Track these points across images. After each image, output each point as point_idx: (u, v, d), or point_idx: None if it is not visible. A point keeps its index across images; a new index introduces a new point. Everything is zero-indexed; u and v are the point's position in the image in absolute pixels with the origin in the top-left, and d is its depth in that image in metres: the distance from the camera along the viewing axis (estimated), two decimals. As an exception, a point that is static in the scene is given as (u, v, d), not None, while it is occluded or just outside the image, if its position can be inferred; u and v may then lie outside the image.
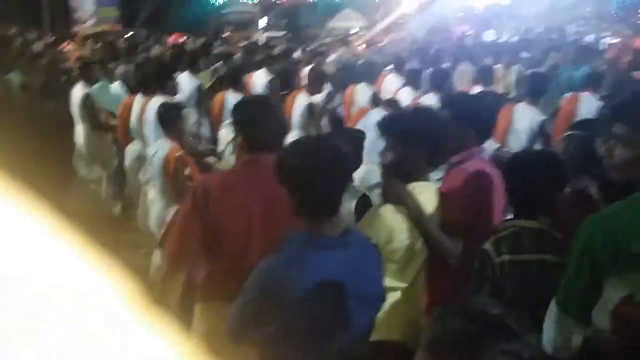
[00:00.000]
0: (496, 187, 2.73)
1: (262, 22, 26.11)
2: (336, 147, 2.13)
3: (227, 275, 2.40)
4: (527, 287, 2.51)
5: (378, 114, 4.68)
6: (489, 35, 18.28)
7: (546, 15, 23.41)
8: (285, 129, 2.92)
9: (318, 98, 6.79)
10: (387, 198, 2.48)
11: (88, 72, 7.01)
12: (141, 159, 5.73)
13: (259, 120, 2.55)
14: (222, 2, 28.67)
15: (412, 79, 7.31)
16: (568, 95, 5.98)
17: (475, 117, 2.82)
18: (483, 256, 2.48)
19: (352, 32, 23.17)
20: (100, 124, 6.71)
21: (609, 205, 1.97)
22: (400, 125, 2.60)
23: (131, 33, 20.28)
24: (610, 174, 1.99)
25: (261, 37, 21.11)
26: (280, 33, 22.84)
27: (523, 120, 5.14)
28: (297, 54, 12.09)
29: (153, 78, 5.90)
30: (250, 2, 28.38)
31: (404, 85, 7.48)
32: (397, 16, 24.48)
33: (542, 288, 2.47)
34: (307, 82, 7.20)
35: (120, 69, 7.46)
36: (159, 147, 4.84)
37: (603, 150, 1.97)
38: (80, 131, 6.77)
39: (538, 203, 2.61)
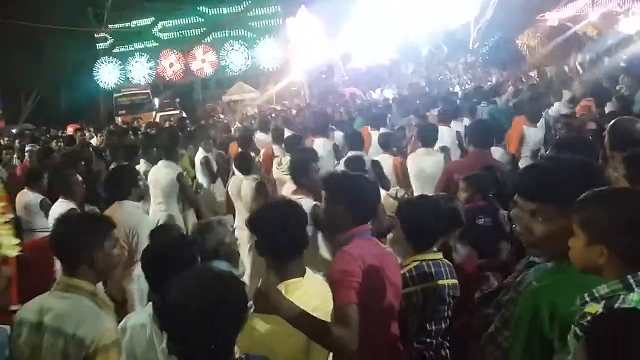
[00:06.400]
0: (385, 264, 2.64)
1: (155, 102, 26.14)
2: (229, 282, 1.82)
3: None
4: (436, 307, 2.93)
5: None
6: (376, 94, 19.59)
7: (424, 70, 25.44)
8: None
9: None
10: (256, 308, 2.23)
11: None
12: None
13: None
14: (112, 87, 28.54)
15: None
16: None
17: (352, 197, 2.66)
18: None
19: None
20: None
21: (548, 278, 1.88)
22: (255, 225, 2.47)
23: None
24: (529, 250, 2.01)
25: (157, 117, 21.19)
26: (175, 111, 23.00)
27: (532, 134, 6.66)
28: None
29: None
30: (141, 83, 28.42)
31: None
32: (287, 84, 25.62)
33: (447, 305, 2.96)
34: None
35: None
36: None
37: (520, 227, 1.91)
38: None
39: (433, 239, 3.04)
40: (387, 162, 6.06)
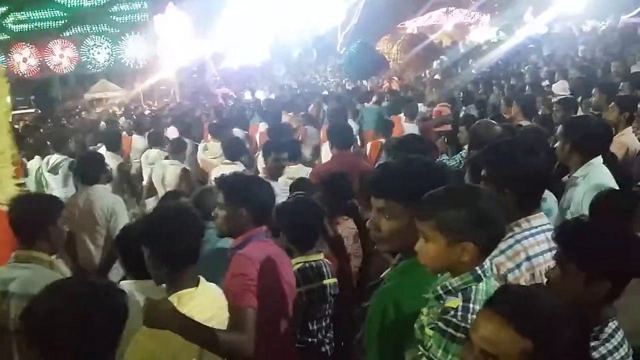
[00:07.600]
0: (281, 264, 2.67)
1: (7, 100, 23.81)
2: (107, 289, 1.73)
3: None
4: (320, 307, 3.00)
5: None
6: (247, 95, 19.52)
7: (295, 72, 25.81)
8: None
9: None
10: (145, 322, 2.10)
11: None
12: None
13: None
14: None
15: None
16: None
17: (249, 198, 2.62)
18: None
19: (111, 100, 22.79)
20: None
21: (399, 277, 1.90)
22: (147, 236, 2.34)
23: None
24: (378, 246, 1.98)
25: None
26: (30, 110, 21.30)
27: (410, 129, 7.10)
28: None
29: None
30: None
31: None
32: (155, 83, 24.72)
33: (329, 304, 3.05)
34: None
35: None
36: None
37: (369, 223, 1.94)
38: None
39: (314, 239, 3.11)
40: None
